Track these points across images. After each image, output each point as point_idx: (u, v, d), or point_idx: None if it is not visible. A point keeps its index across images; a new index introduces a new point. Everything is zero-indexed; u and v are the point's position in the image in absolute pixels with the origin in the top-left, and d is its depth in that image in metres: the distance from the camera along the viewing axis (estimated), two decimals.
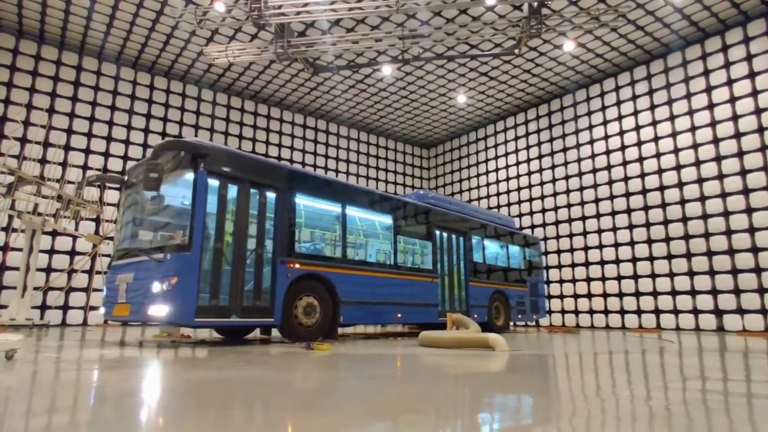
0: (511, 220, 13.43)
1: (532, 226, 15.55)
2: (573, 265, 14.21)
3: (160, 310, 5.44)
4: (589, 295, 13.69)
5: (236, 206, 6.27)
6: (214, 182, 6.05)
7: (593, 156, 14.15)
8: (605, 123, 13.97)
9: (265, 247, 6.48)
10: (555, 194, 15.06)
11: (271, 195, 6.73)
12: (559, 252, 14.65)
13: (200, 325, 5.75)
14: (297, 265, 6.76)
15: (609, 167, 13.70)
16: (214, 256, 5.89)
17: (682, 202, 11.98)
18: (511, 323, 11.70)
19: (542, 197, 15.44)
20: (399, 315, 8.48)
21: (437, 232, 9.82)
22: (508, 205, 16.45)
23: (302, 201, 7.26)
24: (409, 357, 4.99)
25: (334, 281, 7.22)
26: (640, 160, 12.97)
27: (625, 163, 13.31)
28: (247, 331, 8.15)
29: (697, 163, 11.82)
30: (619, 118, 13.63)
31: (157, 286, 5.53)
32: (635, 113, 13.26)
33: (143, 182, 5.63)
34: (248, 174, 6.49)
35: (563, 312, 14.26)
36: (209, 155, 6.07)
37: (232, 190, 6.27)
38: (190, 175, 5.89)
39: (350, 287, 7.53)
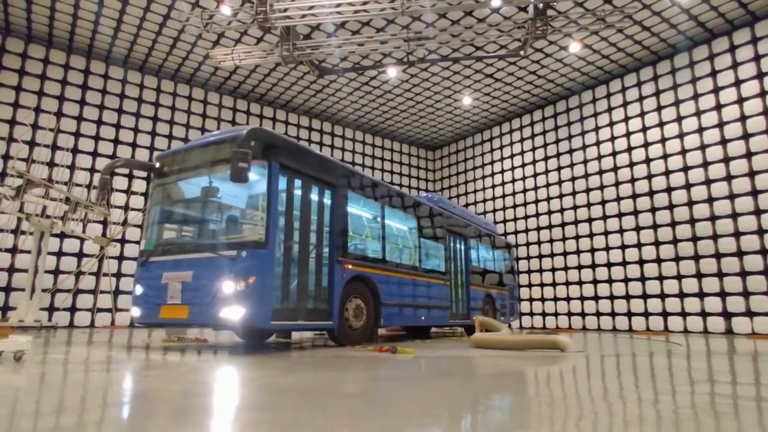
0: (494, 225, 13.61)
1: (538, 228, 15.49)
2: (579, 267, 14.13)
3: (234, 313, 4.98)
4: (596, 297, 13.61)
5: (301, 203, 5.99)
6: (283, 176, 5.73)
7: (599, 157, 14.08)
8: (612, 124, 13.90)
9: (324, 247, 6.25)
10: (561, 196, 15.00)
11: (328, 192, 6.53)
12: (565, 254, 14.58)
13: (275, 328, 5.39)
14: (350, 266, 6.57)
15: (615, 169, 13.63)
16: (284, 255, 5.56)
17: (690, 203, 11.89)
18: None
19: (548, 199, 15.38)
20: (423, 318, 8.49)
21: (447, 236, 9.93)
22: (514, 207, 16.40)
23: (352, 200, 7.10)
24: (499, 359, 4.94)
25: (376, 283, 7.11)
26: (647, 161, 12.89)
27: (631, 165, 13.24)
28: (267, 335, 7.87)
29: (705, 165, 11.73)
30: (626, 119, 13.56)
31: (230, 286, 5.05)
32: (642, 114, 13.19)
33: (232, 173, 4.96)
34: (311, 169, 6.22)
35: (569, 314, 14.19)
36: (282, 147, 5.75)
37: (298, 186, 5.99)
38: (264, 167, 5.45)
39: (389, 289, 7.47)
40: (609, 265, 13.42)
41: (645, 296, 12.52)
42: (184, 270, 5.48)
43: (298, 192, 5.95)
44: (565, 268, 14.53)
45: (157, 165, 6.34)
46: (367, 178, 7.68)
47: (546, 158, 15.65)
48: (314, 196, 6.25)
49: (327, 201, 6.46)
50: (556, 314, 14.57)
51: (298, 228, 5.87)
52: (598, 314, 13.50)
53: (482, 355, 5.42)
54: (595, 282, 13.71)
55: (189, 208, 6.34)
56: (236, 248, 5.25)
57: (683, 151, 12.17)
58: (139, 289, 5.89)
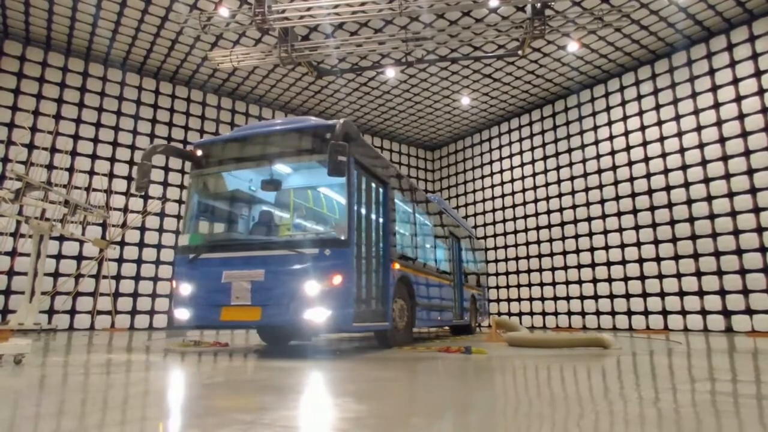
0: (470, 226, 13.82)
1: (537, 228, 15.49)
2: (579, 267, 14.13)
3: (320, 314, 4.71)
4: (596, 296, 13.62)
5: (365, 200, 5.71)
6: (357, 172, 5.44)
7: (598, 157, 14.09)
8: (610, 123, 13.91)
9: (383, 247, 6.05)
10: (560, 195, 15.00)
11: (381, 191, 6.28)
12: (564, 253, 14.58)
13: (356, 330, 5.19)
14: (398, 266, 6.41)
15: (614, 168, 13.63)
16: (357, 254, 5.28)
17: (689, 202, 11.90)
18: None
19: (547, 198, 15.39)
20: (439, 318, 8.53)
21: (450, 238, 10.07)
22: (513, 206, 16.40)
23: (397, 199, 6.92)
24: (577, 359, 4.94)
25: (412, 284, 6.95)
26: (646, 160, 12.90)
27: (630, 164, 13.24)
28: (290, 337, 7.52)
29: (704, 163, 11.74)
30: (624, 118, 13.57)
31: (315, 286, 4.77)
32: (640, 113, 13.19)
33: (330, 166, 4.63)
34: (372, 166, 5.95)
35: (569, 313, 14.19)
36: (357, 141, 5.39)
37: (363, 182, 5.71)
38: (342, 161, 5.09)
39: (420, 290, 7.38)
40: (608, 264, 13.43)
41: (645, 295, 12.52)
42: (253, 268, 5.02)
43: (363, 189, 5.74)
44: (565, 268, 14.54)
45: (199, 152, 5.78)
46: (405, 178, 7.59)
47: (545, 158, 15.66)
48: (374, 194, 6.03)
49: (381, 199, 6.28)
50: (555, 313, 14.57)
51: (365, 227, 5.63)
52: (597, 313, 13.51)
53: (555, 355, 5.34)
54: (594, 281, 13.71)
55: (250, 200, 5.96)
56: (318, 246, 4.96)
57: (682, 150, 12.18)
58: (185, 289, 5.26)
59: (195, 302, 5.20)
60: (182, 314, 5.24)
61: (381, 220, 6.13)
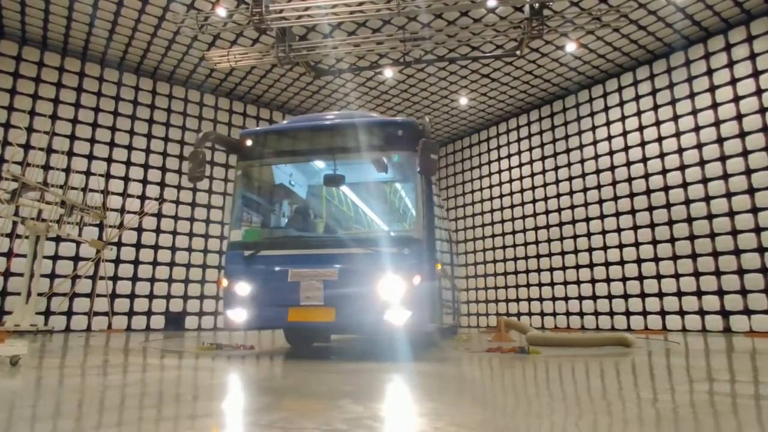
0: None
1: (536, 228, 15.49)
2: (577, 267, 14.14)
3: (400, 316, 4.54)
4: (594, 297, 13.62)
5: (426, 199, 5.47)
6: None
7: (596, 157, 14.09)
8: (608, 124, 13.91)
9: (432, 247, 5.82)
10: (558, 196, 15.00)
11: (430, 190, 5.97)
12: (563, 254, 14.58)
13: (428, 330, 5.09)
14: (439, 267, 6.39)
15: (612, 168, 13.63)
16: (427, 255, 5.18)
17: (687, 202, 11.91)
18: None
19: (545, 199, 15.38)
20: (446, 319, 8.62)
21: (449, 240, 10.06)
22: (512, 207, 16.38)
23: (433, 196, 6.70)
24: (617, 357, 4.92)
25: (442, 286, 6.95)
26: (644, 160, 12.90)
27: (628, 164, 13.25)
28: (313, 339, 7.21)
29: (702, 163, 11.75)
30: (622, 118, 13.57)
31: (397, 286, 4.58)
32: (638, 113, 13.20)
33: (423, 165, 4.61)
34: None
35: (568, 314, 14.18)
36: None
37: (425, 181, 5.52)
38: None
39: (444, 291, 7.42)
40: (607, 264, 13.43)
41: (643, 295, 12.52)
42: (326, 266, 4.76)
43: (426, 187, 5.52)
44: (563, 268, 14.53)
45: (252, 142, 5.40)
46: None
47: (543, 158, 15.65)
48: (430, 193, 5.85)
49: (427, 196, 6.05)
50: (554, 314, 14.56)
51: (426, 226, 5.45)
52: (596, 314, 13.50)
53: (592, 354, 5.31)
54: (593, 281, 13.71)
55: (314, 195, 5.75)
56: (396, 244, 4.79)
57: (680, 150, 12.19)
58: (242, 289, 4.91)
59: (255, 302, 4.87)
60: (238, 315, 4.89)
61: (431, 219, 6.01)
